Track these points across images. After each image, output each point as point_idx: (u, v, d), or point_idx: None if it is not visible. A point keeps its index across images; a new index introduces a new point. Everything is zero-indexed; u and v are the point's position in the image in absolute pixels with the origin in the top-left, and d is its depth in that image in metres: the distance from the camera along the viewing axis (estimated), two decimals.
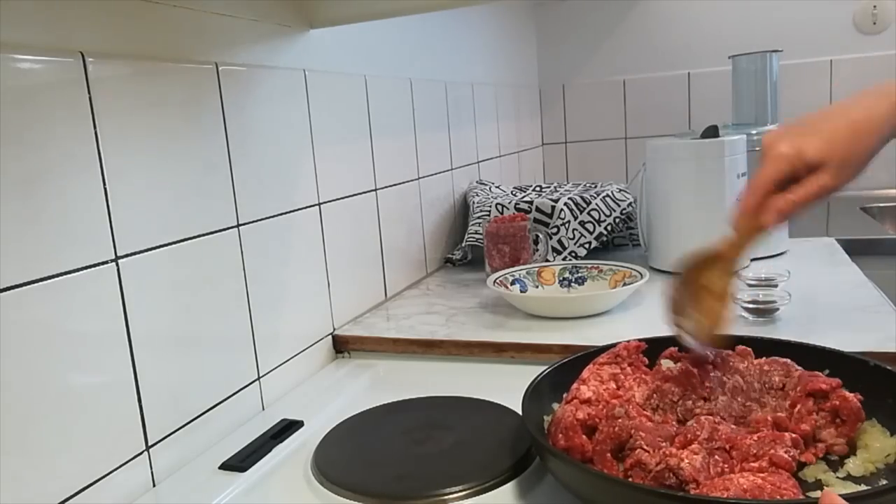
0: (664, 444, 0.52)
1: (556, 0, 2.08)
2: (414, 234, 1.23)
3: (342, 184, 0.98)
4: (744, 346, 0.64)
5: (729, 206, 1.08)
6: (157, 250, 0.64)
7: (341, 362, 0.94)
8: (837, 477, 0.52)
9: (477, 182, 1.49)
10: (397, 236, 1.16)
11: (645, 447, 0.51)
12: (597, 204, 1.25)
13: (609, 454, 0.53)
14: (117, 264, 0.60)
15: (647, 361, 0.65)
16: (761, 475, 0.47)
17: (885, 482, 0.51)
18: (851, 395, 0.55)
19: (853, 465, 0.53)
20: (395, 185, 1.15)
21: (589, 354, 0.68)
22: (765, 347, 0.65)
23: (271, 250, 0.81)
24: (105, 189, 0.59)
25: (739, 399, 0.59)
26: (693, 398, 0.59)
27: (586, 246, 1.21)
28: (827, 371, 0.60)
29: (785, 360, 0.61)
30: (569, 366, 0.66)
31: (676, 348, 0.65)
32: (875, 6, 1.82)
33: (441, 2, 0.93)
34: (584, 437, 0.54)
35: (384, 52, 1.14)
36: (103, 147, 0.59)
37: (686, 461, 0.48)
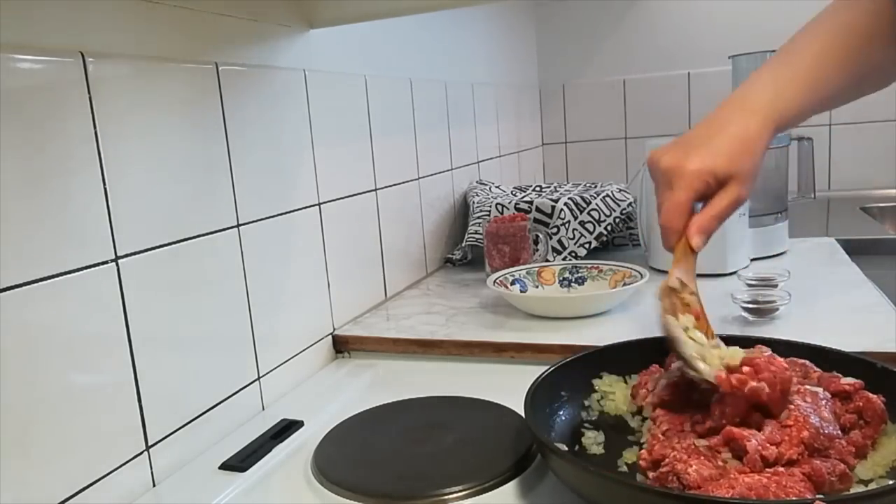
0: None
1: (556, 0, 2.08)
2: (414, 234, 1.23)
3: (342, 184, 0.98)
4: (762, 346, 0.63)
5: None
6: (157, 250, 0.64)
7: (341, 362, 0.94)
8: None
9: (477, 182, 1.49)
10: (397, 236, 1.15)
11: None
12: (597, 204, 1.25)
13: None
14: (117, 264, 0.60)
15: None
16: (767, 474, 0.47)
17: (890, 482, 0.51)
18: (875, 395, 0.55)
19: (860, 468, 0.52)
20: (395, 185, 1.15)
21: (589, 354, 0.68)
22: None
23: (271, 250, 0.81)
24: (105, 189, 0.59)
25: None
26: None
27: (586, 246, 1.21)
28: (833, 373, 0.60)
29: (803, 361, 0.61)
30: (570, 366, 0.66)
31: None
32: None
33: (441, 2, 0.93)
34: None
35: (384, 52, 1.14)
36: (103, 147, 0.59)
37: (693, 468, 0.48)
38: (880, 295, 0.94)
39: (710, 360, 0.56)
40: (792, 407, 0.52)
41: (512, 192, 1.41)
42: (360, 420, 0.73)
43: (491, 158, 1.64)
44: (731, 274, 1.08)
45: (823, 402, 0.54)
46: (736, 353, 0.57)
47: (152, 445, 0.63)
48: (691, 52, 1.98)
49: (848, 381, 0.57)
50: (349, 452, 0.66)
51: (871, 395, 0.55)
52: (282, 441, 0.70)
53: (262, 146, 0.80)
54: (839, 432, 0.52)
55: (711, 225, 0.62)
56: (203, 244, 0.70)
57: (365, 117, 1.05)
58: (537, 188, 1.45)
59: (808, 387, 0.56)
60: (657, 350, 0.67)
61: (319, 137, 0.92)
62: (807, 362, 0.61)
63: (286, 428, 0.73)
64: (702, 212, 0.62)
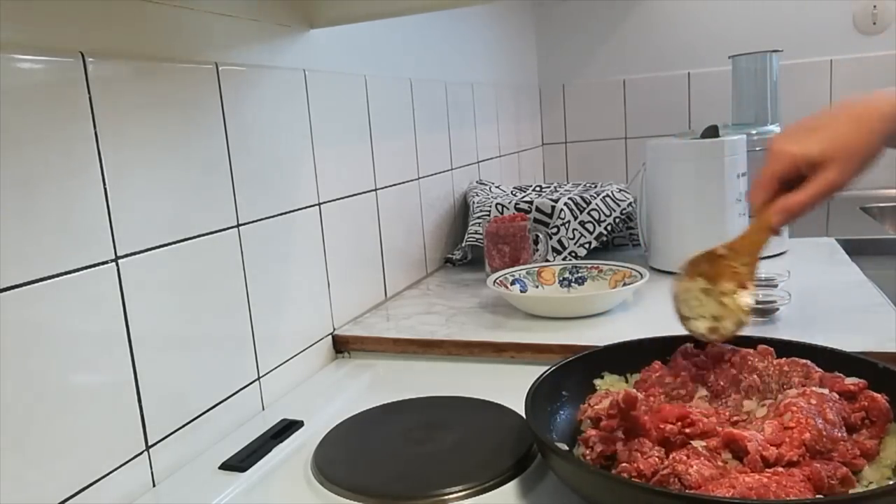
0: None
1: (556, 0, 2.08)
2: (414, 234, 1.23)
3: (342, 184, 0.98)
4: (766, 346, 0.64)
5: (729, 206, 1.08)
6: (157, 250, 0.64)
7: (341, 362, 0.94)
8: None
9: (477, 182, 1.49)
10: (397, 236, 1.15)
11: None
12: (597, 204, 1.25)
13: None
14: (117, 264, 0.60)
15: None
16: (768, 473, 0.47)
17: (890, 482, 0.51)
18: (879, 395, 0.55)
19: (868, 471, 0.52)
20: (395, 185, 1.15)
21: (589, 354, 0.68)
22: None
23: (271, 250, 0.81)
24: (105, 189, 0.59)
25: (753, 399, 0.59)
26: (702, 394, 0.59)
27: (586, 246, 1.21)
28: (835, 373, 0.60)
29: (805, 361, 0.61)
30: (571, 366, 0.66)
31: (692, 344, 0.65)
32: (875, 6, 1.82)
33: (441, 2, 0.93)
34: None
35: (384, 52, 1.14)
36: (103, 147, 0.59)
37: (694, 468, 0.48)
38: (880, 295, 0.94)
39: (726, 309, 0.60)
40: (795, 409, 0.52)
41: (512, 192, 1.41)
42: (360, 420, 0.73)
43: (491, 158, 1.64)
44: None
45: (830, 404, 0.54)
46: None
47: (152, 445, 0.63)
48: (691, 52, 1.98)
49: (852, 381, 0.57)
50: (349, 452, 0.66)
51: (875, 394, 0.55)
52: (282, 441, 0.70)
53: (262, 146, 0.80)
54: (844, 435, 0.52)
55: (794, 208, 0.60)
56: (203, 244, 0.70)
57: (365, 117, 1.05)
58: (537, 188, 1.45)
59: (813, 388, 0.56)
60: (658, 349, 0.67)
61: (319, 137, 0.92)
62: (808, 362, 0.61)
63: (286, 428, 0.73)
64: (790, 193, 0.60)
